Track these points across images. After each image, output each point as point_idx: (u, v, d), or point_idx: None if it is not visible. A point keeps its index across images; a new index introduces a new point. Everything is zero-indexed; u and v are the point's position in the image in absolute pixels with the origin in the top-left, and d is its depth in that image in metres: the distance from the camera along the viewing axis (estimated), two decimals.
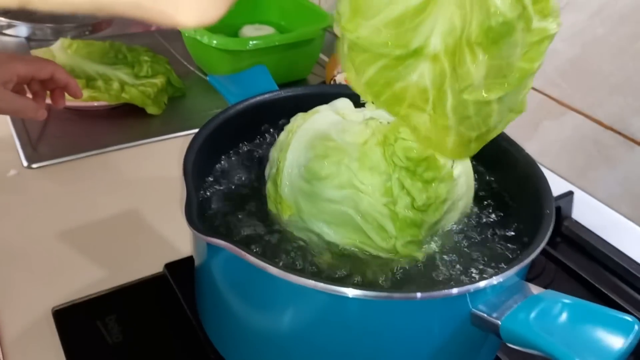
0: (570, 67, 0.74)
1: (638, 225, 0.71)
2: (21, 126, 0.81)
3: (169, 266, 0.59)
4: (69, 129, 0.83)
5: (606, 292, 0.59)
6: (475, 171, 0.49)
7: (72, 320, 0.54)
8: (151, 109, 0.86)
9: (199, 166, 0.45)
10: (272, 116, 0.54)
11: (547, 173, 0.77)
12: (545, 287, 0.62)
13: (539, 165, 0.50)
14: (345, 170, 0.40)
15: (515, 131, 0.81)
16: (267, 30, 1.06)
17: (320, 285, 0.34)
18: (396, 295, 0.35)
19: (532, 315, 0.35)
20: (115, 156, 0.78)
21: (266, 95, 0.55)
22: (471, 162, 0.48)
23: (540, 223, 0.40)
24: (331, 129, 0.43)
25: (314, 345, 0.39)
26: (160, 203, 0.69)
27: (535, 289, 0.38)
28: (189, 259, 0.58)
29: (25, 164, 0.74)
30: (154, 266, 0.59)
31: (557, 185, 0.74)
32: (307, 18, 1.02)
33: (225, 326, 0.44)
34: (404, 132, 0.41)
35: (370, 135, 0.41)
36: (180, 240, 0.64)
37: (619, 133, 0.70)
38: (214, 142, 0.49)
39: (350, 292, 0.34)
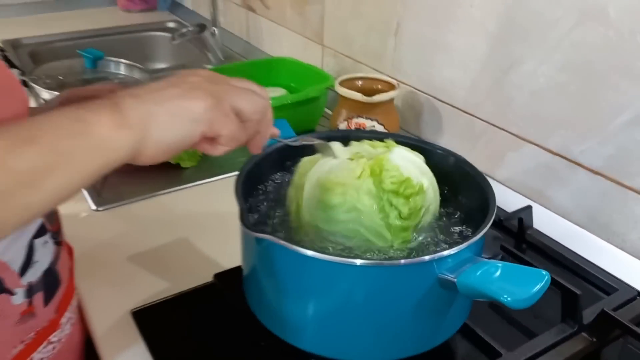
0: (525, 110, 0.92)
1: (587, 230, 0.88)
2: None
3: (217, 276, 0.76)
4: (124, 180, 1.02)
5: (565, 284, 0.74)
6: (441, 187, 0.67)
7: (146, 317, 0.71)
8: (185, 164, 1.05)
9: (243, 190, 0.63)
10: (293, 155, 0.72)
11: (512, 194, 0.96)
12: None
13: (488, 178, 0.66)
14: (350, 198, 0.57)
15: (487, 162, 1.00)
16: (279, 91, 1.26)
17: (337, 258, 0.52)
18: (386, 262, 0.52)
19: (478, 273, 0.52)
20: (162, 199, 0.96)
21: (287, 140, 0.73)
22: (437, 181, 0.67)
23: (485, 215, 0.58)
24: (332, 170, 0.61)
25: (333, 309, 0.56)
26: (203, 231, 0.87)
27: (482, 259, 0.55)
28: (232, 270, 0.75)
29: (93, 207, 0.93)
30: (205, 277, 0.76)
31: (521, 202, 0.91)
32: (312, 79, 1.22)
33: (267, 300, 0.61)
34: (385, 164, 0.59)
35: (361, 170, 0.59)
36: (222, 257, 0.81)
37: (565, 158, 0.88)
38: (252, 175, 0.67)
39: (358, 261, 0.52)
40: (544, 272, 0.52)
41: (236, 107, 0.49)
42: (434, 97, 1.09)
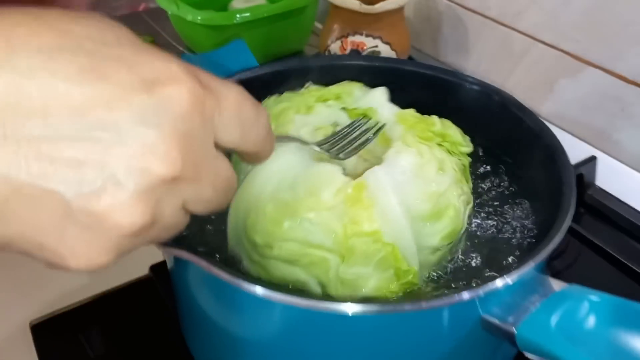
0: (586, 18, 0.67)
1: None
2: None
3: (155, 268, 0.54)
4: None
5: (637, 269, 0.53)
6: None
7: (51, 334, 0.50)
8: None
9: None
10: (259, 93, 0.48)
11: (565, 136, 0.71)
12: (570, 266, 0.57)
13: (556, 135, 0.43)
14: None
15: (530, 92, 0.76)
16: (258, 2, 0.99)
17: (313, 303, 0.30)
18: (407, 306, 0.29)
19: (554, 319, 0.30)
20: None
21: (243, 74, 0.49)
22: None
23: (559, 205, 0.35)
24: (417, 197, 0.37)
25: None
26: None
27: (557, 284, 0.32)
28: None
29: None
30: (139, 269, 0.55)
31: (578, 150, 0.67)
32: None
33: (208, 346, 0.39)
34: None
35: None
36: None
37: None
38: None
39: (349, 308, 0.29)
40: None
41: (188, 208, 0.26)
42: (458, 4, 0.84)
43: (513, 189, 0.45)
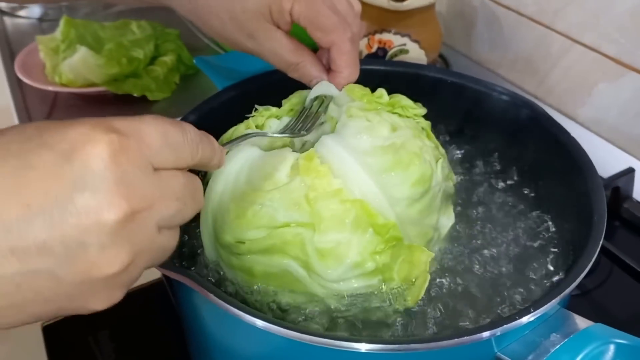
0: (630, 20, 0.63)
1: None
2: (24, 114, 0.77)
3: None
4: (75, 115, 0.78)
5: None
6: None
7: (62, 336, 0.50)
8: (154, 95, 0.80)
9: None
10: (269, 99, 0.47)
11: (603, 144, 0.68)
12: (600, 285, 0.54)
13: (593, 143, 0.40)
14: None
15: (566, 96, 0.72)
16: None
17: (325, 341, 0.28)
18: (419, 345, 0.27)
19: None
20: None
21: (261, 76, 0.47)
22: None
23: (588, 233, 0.32)
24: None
25: None
26: None
27: (581, 322, 0.30)
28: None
29: None
30: (152, 272, 0.54)
31: (616, 159, 0.64)
32: None
33: None
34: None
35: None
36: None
37: None
38: None
39: (363, 346, 0.28)
40: None
41: (168, 225, 0.28)
42: (493, 0, 0.80)
43: (538, 210, 0.42)
